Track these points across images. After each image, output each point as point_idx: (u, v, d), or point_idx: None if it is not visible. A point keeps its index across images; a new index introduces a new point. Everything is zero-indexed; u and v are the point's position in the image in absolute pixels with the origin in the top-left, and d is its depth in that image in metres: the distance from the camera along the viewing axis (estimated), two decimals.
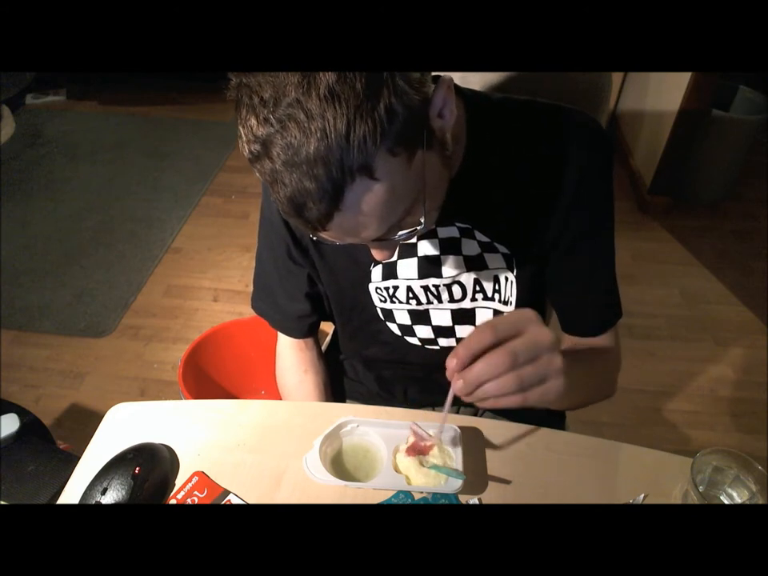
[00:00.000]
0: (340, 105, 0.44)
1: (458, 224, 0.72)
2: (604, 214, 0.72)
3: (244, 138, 0.48)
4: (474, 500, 0.68)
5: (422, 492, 0.68)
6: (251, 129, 0.47)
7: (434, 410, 0.92)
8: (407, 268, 0.76)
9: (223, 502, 0.68)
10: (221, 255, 2.28)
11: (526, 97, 0.70)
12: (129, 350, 1.92)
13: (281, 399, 0.95)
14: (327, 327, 0.97)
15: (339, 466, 0.71)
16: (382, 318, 0.83)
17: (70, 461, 1.07)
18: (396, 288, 0.78)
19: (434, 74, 0.55)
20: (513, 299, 0.77)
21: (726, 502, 0.65)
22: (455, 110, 0.55)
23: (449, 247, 0.73)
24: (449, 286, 0.77)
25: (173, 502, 0.69)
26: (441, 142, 0.55)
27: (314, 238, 0.57)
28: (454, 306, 0.79)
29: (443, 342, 0.84)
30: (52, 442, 1.26)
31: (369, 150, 0.46)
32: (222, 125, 3.02)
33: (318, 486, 0.67)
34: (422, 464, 0.67)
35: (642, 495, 0.67)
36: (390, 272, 0.77)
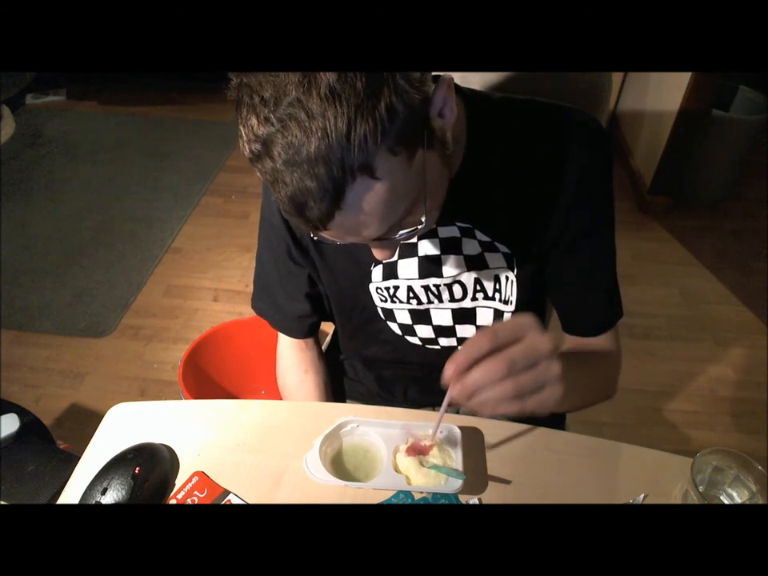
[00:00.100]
0: (341, 104, 0.44)
1: (458, 223, 0.72)
2: (604, 213, 0.72)
3: (245, 138, 0.48)
4: (474, 500, 0.68)
5: (422, 492, 0.68)
6: (252, 128, 0.47)
7: (433, 409, 0.92)
8: (408, 268, 0.76)
9: (223, 502, 0.68)
10: (221, 255, 2.28)
11: (526, 96, 0.70)
12: (129, 350, 1.92)
13: (281, 399, 0.95)
14: (327, 327, 0.97)
15: (339, 466, 0.71)
16: (383, 317, 0.83)
17: (70, 461, 1.07)
18: (396, 288, 0.78)
19: (434, 73, 0.55)
20: (513, 298, 0.77)
21: (726, 501, 0.65)
22: (455, 109, 0.55)
23: (449, 247, 0.73)
24: (449, 286, 0.77)
25: (173, 502, 0.69)
26: (441, 142, 0.55)
27: (315, 238, 0.57)
28: (455, 305, 0.79)
29: (444, 341, 0.84)
30: (52, 442, 1.26)
31: (369, 149, 0.46)
32: (222, 125, 3.02)
33: (318, 486, 0.68)
34: (421, 464, 0.68)
35: (642, 495, 0.67)
36: (390, 272, 0.77)
